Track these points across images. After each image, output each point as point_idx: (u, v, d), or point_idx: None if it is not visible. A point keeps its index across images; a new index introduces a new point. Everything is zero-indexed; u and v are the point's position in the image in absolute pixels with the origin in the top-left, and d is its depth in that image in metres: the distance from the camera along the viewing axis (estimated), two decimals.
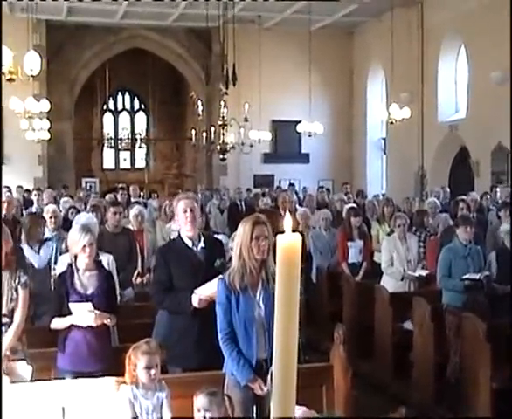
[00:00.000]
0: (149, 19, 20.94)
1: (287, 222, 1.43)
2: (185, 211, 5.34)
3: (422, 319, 7.41)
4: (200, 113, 16.53)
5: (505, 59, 15.59)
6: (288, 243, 1.44)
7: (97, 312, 5.12)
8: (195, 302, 5.08)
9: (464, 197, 11.66)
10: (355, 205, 12.40)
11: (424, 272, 8.73)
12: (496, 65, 16.01)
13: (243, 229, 4.53)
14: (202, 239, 5.40)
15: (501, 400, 6.27)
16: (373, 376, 7.99)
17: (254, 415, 4.44)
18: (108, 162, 29.36)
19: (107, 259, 6.40)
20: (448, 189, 14.83)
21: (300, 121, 21.04)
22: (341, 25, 21.76)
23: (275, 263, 1.48)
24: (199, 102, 16.60)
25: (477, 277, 7.14)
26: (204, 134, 18.12)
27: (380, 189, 20.71)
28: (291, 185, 19.97)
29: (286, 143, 22.29)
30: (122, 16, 20.49)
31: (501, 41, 15.64)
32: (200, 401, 4.17)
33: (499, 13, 15.62)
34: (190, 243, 5.36)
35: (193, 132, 17.98)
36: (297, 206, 12.67)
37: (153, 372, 4.42)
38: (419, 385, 7.43)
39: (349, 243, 9.78)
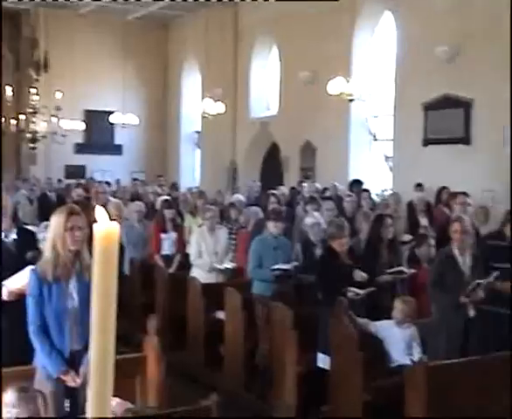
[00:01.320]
0: None
1: (101, 212, 1.40)
2: None
3: (233, 309, 7.63)
4: (8, 98, 15.82)
5: (313, 61, 16.37)
6: (106, 231, 1.40)
7: None
8: (4, 295, 4.90)
9: (274, 191, 12.14)
10: (168, 197, 12.48)
11: (230, 265, 8.99)
12: (305, 66, 16.75)
13: (56, 219, 4.43)
14: (15, 230, 5.23)
15: (306, 384, 6.61)
16: (186, 366, 8.10)
17: (67, 408, 4.37)
18: None
19: None
20: (259, 183, 15.32)
21: (113, 112, 20.78)
22: (157, 17, 21.70)
23: (90, 254, 1.47)
24: (7, 87, 15.89)
25: (286, 267, 7.47)
26: (13, 121, 17.37)
27: (193, 182, 20.94)
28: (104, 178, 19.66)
29: (99, 134, 21.88)
30: None
31: (309, 43, 16.41)
32: (8, 397, 4.03)
33: (309, 18, 16.36)
34: (2, 235, 5.18)
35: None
36: (110, 197, 12.51)
37: None
38: (230, 373, 7.65)
39: (162, 235, 9.83)
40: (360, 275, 6.79)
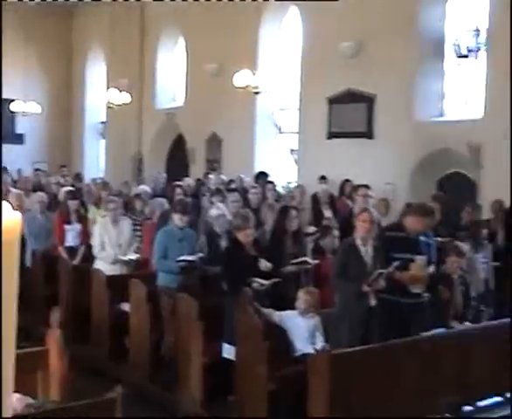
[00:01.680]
0: None
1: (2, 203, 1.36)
2: None
3: (138, 301, 7.57)
4: None
5: (219, 53, 16.39)
6: (7, 222, 1.38)
7: None
8: None
9: (180, 183, 12.10)
10: (72, 188, 12.24)
11: (134, 256, 8.92)
12: (212, 58, 16.75)
13: None
14: None
15: (212, 374, 6.65)
16: (91, 359, 7.98)
17: None
18: None
19: None
20: (165, 175, 15.23)
21: (14, 100, 20.18)
22: (60, 4, 21.17)
23: None
24: None
25: (191, 259, 7.47)
26: None
27: (98, 173, 20.59)
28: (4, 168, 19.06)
29: None
30: None
31: (216, 36, 16.41)
32: None
33: (216, 10, 16.35)
34: None
35: None
36: (10, 188, 12.17)
37: None
38: (136, 365, 7.60)
39: (66, 227, 9.65)
40: (264, 264, 6.87)
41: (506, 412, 6.64)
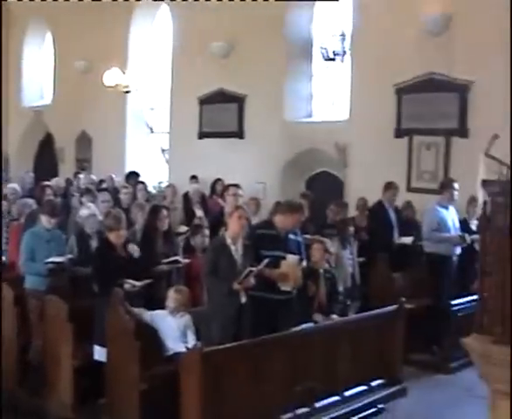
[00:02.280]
0: None
1: None
2: None
3: (5, 305, 7.33)
4: None
5: (89, 50, 16.09)
6: None
7: None
8: None
9: (49, 183, 11.79)
10: None
11: None
12: (81, 55, 16.42)
13: None
14: None
15: (83, 377, 6.55)
16: None
17: None
18: None
19: None
20: (32, 174, 14.79)
21: None
22: None
23: None
24: None
25: (60, 260, 7.32)
26: None
27: None
28: None
29: None
30: None
31: (85, 32, 16.11)
32: None
33: (84, 7, 16.00)
34: None
35: None
36: None
37: None
38: (4, 370, 7.34)
39: None
40: (132, 247, 6.88)
41: (370, 399, 6.95)
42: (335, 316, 7.33)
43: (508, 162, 5.54)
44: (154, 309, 6.64)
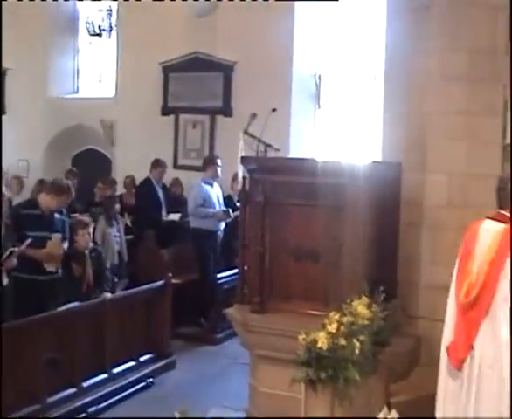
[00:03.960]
0: None
1: None
2: None
3: None
4: None
5: None
6: None
7: None
8: None
9: None
10: None
11: None
12: None
13: None
14: None
15: None
16: None
17: None
18: None
19: None
20: None
21: None
22: None
23: None
24: None
25: None
26: None
27: None
28: None
29: None
30: None
31: None
32: None
33: None
34: None
35: None
36: None
37: None
38: None
39: None
40: None
41: (139, 374, 7.04)
42: (108, 294, 7.25)
43: (268, 140, 5.89)
44: None
